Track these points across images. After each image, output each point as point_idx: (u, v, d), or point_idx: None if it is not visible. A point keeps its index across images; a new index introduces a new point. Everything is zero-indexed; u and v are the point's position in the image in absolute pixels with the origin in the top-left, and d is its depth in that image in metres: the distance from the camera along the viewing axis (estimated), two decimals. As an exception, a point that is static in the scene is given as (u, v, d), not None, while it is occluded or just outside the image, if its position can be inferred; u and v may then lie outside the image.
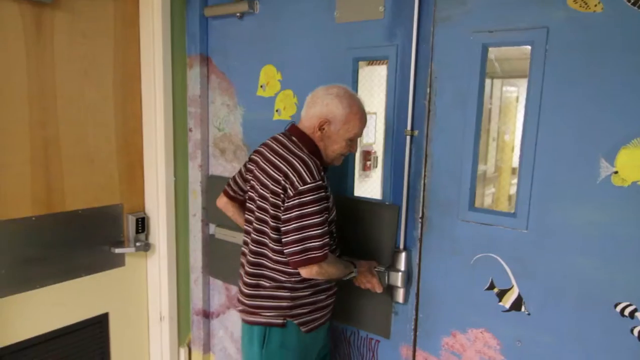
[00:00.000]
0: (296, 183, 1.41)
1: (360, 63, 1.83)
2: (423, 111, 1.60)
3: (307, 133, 1.53)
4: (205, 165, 2.28)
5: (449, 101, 1.54)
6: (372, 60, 2.15)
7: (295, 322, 1.53)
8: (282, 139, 1.55)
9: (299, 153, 1.48)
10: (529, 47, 1.39)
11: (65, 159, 1.96)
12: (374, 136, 3.74)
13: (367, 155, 3.82)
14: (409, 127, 1.62)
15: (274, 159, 1.50)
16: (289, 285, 1.51)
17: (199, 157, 2.26)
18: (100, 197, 2.10)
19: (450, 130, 1.55)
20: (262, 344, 1.54)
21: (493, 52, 1.55)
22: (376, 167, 3.85)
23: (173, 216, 2.27)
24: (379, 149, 3.71)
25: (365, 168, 3.81)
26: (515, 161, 3.80)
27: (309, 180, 1.41)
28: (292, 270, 1.48)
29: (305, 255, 1.42)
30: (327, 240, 1.43)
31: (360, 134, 1.56)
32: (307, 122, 1.53)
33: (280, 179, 1.45)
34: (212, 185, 2.26)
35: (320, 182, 1.43)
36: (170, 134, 2.20)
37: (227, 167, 2.23)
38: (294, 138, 1.54)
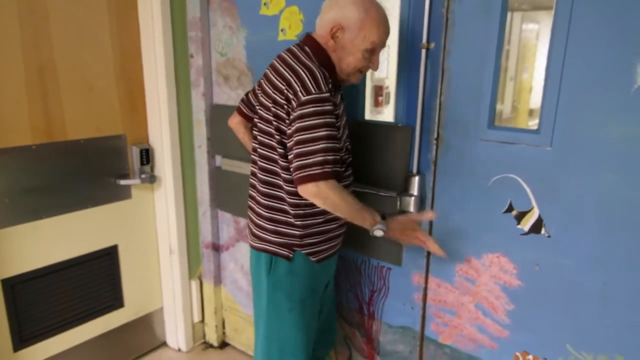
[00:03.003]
0: (299, 93, 1.30)
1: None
2: (440, 21, 1.46)
3: (320, 43, 1.40)
4: (208, 94, 2.18)
5: (470, 8, 1.40)
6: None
7: (304, 252, 1.47)
8: (294, 49, 1.42)
9: (307, 62, 1.35)
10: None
11: (62, 85, 1.87)
12: (386, 70, 3.57)
13: (379, 90, 3.66)
14: (424, 40, 1.49)
15: (281, 68, 1.38)
16: (300, 211, 1.43)
17: (201, 84, 2.15)
18: (102, 127, 2.03)
19: (470, 42, 1.42)
20: (269, 271, 1.50)
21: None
22: (388, 103, 3.70)
23: (178, 147, 2.20)
24: (391, 83, 3.56)
25: (377, 104, 3.67)
26: (532, 102, 3.63)
27: (312, 91, 1.29)
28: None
29: (302, 172, 1.29)
30: (329, 157, 1.29)
31: (380, 44, 1.39)
32: (321, 29, 1.40)
33: (284, 88, 1.34)
34: (217, 114, 2.17)
35: (326, 94, 1.30)
36: (171, 60, 2.09)
37: (231, 95, 2.12)
38: (306, 48, 1.41)
